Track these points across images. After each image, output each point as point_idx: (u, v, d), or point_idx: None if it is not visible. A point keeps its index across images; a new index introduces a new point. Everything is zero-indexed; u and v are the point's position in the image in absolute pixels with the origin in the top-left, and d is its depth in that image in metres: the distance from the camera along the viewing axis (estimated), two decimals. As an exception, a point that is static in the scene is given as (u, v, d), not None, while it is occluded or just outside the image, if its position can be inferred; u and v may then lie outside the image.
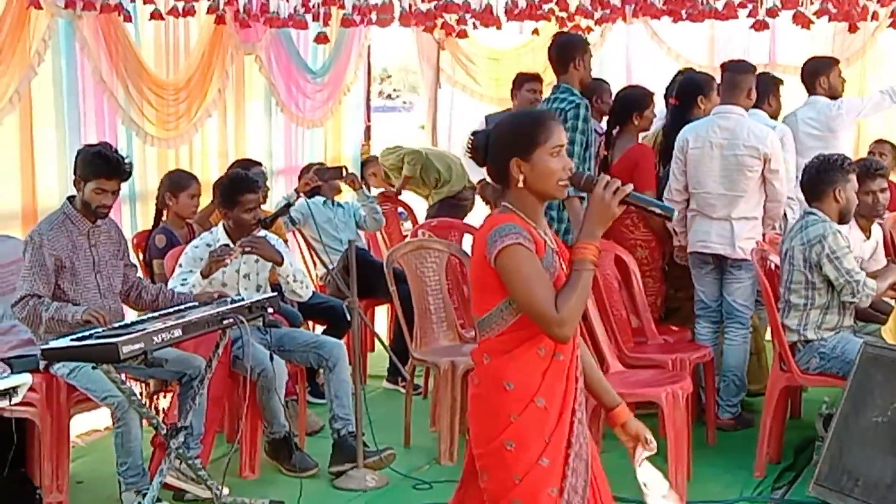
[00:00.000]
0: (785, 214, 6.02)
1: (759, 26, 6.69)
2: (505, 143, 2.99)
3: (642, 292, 5.90)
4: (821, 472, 4.72)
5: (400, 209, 9.12)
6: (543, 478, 2.94)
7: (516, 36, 9.64)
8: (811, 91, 6.69)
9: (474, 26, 7.82)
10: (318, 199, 7.11)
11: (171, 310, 4.66)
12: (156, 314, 4.62)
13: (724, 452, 5.59)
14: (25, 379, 4.12)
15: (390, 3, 7.01)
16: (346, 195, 7.51)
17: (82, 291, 4.87)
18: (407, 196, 9.45)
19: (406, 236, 8.09)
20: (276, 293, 5.27)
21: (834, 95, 6.66)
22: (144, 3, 6.28)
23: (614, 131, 6.27)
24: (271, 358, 5.00)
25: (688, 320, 6.20)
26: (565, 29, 7.76)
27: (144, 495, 4.54)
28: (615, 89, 6.90)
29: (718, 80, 6.07)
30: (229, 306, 4.59)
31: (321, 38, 7.25)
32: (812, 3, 6.64)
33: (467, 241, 7.03)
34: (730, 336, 5.89)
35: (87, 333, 4.19)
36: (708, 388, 5.80)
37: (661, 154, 6.30)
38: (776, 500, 5.05)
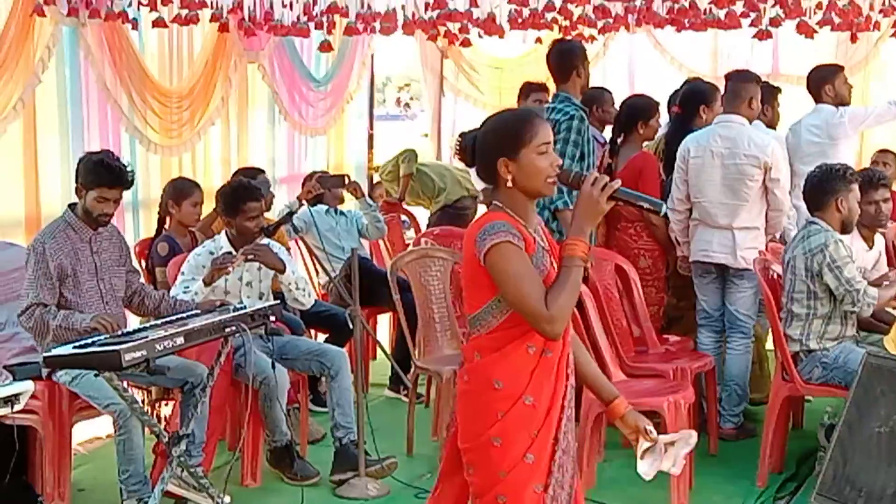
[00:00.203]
0: None
1: (762, 36, 6.69)
2: (491, 143, 3.02)
3: (643, 301, 5.90)
4: (823, 483, 4.71)
5: (403, 217, 9.12)
6: (528, 474, 2.98)
7: (519, 45, 9.66)
8: (818, 100, 6.68)
9: (478, 35, 7.83)
10: (321, 207, 7.11)
11: (173, 317, 4.66)
12: (158, 322, 4.62)
13: (726, 462, 5.58)
14: (28, 386, 4.12)
15: (394, 11, 7.03)
16: (349, 203, 7.51)
17: (85, 298, 4.87)
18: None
19: (409, 245, 8.09)
20: (278, 301, 5.27)
21: (842, 102, 6.64)
22: (150, 10, 6.29)
23: (619, 139, 6.27)
24: (273, 366, 5.01)
25: (689, 330, 6.20)
26: (568, 38, 7.75)
27: (146, 503, 4.54)
28: (617, 98, 6.90)
29: (723, 90, 6.07)
30: (231, 314, 4.58)
31: (325, 47, 7.26)
32: (815, 13, 6.64)
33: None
34: (732, 345, 5.89)
35: (89, 341, 4.20)
36: (710, 398, 5.79)
37: (664, 162, 6.30)
38: (778, 510, 5.05)
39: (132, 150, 6.79)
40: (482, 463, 3.01)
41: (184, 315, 4.70)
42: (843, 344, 5.13)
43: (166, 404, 5.39)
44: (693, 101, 6.26)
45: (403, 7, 7.06)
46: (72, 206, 4.94)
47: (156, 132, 6.86)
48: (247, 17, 6.99)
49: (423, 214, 9.45)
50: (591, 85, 6.39)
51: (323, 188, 6.89)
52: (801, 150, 6.52)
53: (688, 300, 6.23)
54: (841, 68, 6.89)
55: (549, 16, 7.20)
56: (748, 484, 5.28)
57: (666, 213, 5.94)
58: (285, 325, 5.77)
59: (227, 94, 7.52)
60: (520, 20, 7.32)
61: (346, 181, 7.01)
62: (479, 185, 8.02)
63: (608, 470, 5.46)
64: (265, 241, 5.45)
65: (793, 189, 6.04)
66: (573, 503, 3.12)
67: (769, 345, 6.00)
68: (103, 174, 4.81)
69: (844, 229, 5.21)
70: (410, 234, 9.02)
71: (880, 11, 6.97)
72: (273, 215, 6.70)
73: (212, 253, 5.36)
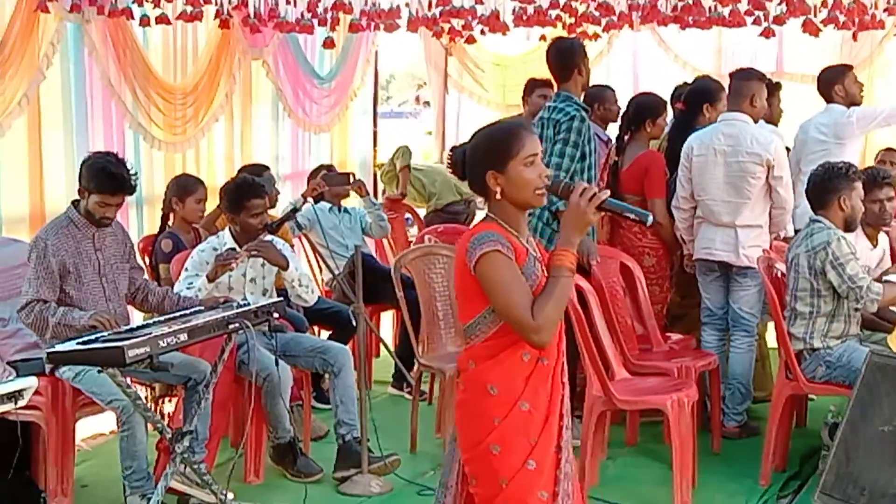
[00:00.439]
0: None
1: (767, 34, 6.69)
2: (480, 157, 3.06)
3: (647, 299, 5.89)
4: (826, 481, 4.71)
5: (407, 215, 9.12)
6: (532, 481, 2.99)
7: (523, 42, 9.66)
8: (828, 100, 6.66)
9: (482, 32, 7.83)
10: (325, 204, 7.11)
11: (176, 314, 4.67)
12: (162, 318, 4.62)
13: (729, 460, 5.58)
14: (31, 382, 4.13)
15: (398, 8, 7.03)
16: (353, 201, 7.52)
17: (87, 295, 4.87)
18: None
19: (412, 242, 8.11)
20: (281, 298, 5.27)
21: (853, 102, 6.61)
22: (154, 6, 6.29)
23: (626, 137, 6.26)
24: (277, 363, 5.01)
25: (692, 327, 6.19)
26: (573, 35, 7.75)
27: (149, 499, 4.54)
28: (621, 96, 6.89)
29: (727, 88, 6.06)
30: (235, 311, 4.58)
31: (328, 44, 7.27)
32: (820, 12, 6.63)
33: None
34: (735, 344, 5.89)
35: (92, 337, 4.20)
36: (713, 396, 5.79)
37: (666, 159, 6.29)
38: (781, 508, 5.05)
39: (136, 147, 6.80)
40: (483, 472, 3.02)
41: (187, 311, 4.70)
42: (846, 342, 5.13)
43: (170, 401, 5.39)
44: (697, 98, 6.26)
45: (408, 4, 7.06)
46: (75, 203, 4.94)
47: (160, 129, 6.87)
48: (252, 14, 7.00)
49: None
50: (594, 83, 6.37)
51: (327, 185, 6.88)
52: (808, 149, 6.51)
53: (691, 298, 6.23)
54: (850, 68, 6.86)
55: (553, 13, 7.19)
56: (751, 482, 5.28)
57: (671, 211, 6.04)
58: (289, 321, 5.78)
59: (231, 90, 7.53)
60: (524, 17, 7.31)
61: (351, 179, 7.01)
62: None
63: (611, 468, 5.46)
64: (269, 237, 5.46)
65: (796, 186, 6.02)
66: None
67: (772, 342, 5.99)
68: (106, 181, 4.80)
69: (848, 227, 5.21)
70: (413, 231, 9.02)
71: (885, 10, 6.96)
72: (277, 212, 6.70)
73: (215, 249, 5.36)
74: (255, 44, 7.69)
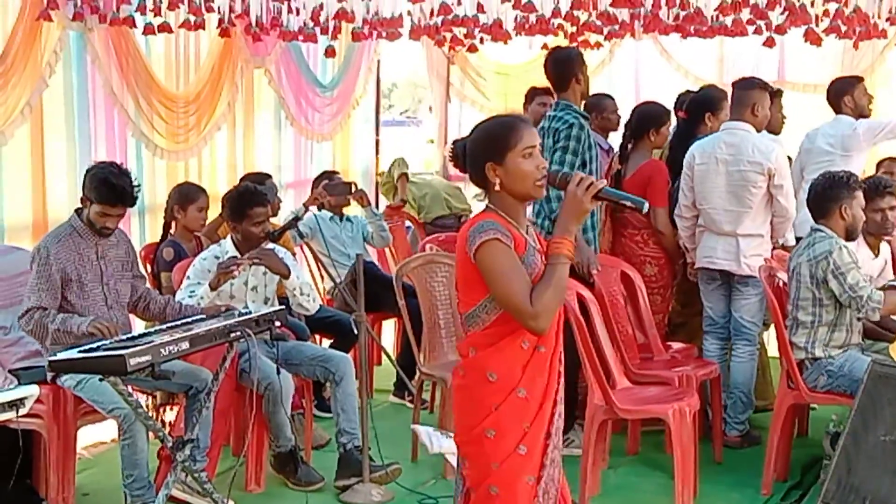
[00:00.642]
0: None
1: (769, 43, 6.70)
2: (479, 149, 3.13)
3: (648, 308, 5.89)
4: (828, 491, 4.70)
5: (407, 223, 9.13)
6: (521, 465, 3.07)
7: (525, 51, 9.65)
8: (837, 110, 6.67)
9: (481, 41, 7.84)
10: (326, 213, 7.11)
11: (178, 322, 4.67)
12: (163, 326, 4.62)
13: (730, 470, 5.58)
14: (32, 390, 4.13)
15: (400, 16, 7.04)
16: (355, 209, 7.52)
17: (89, 303, 4.88)
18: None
19: (411, 249, 8.18)
20: (283, 306, 5.27)
21: (861, 114, 6.63)
22: (155, 15, 6.31)
23: (629, 146, 6.26)
24: (278, 371, 5.01)
25: (694, 336, 6.19)
26: (574, 45, 7.76)
27: (150, 508, 4.55)
28: (623, 105, 6.89)
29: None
30: (237, 319, 4.59)
31: (329, 52, 7.28)
32: (822, 21, 6.64)
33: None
34: (737, 353, 5.89)
35: (94, 345, 4.20)
36: (715, 405, 5.78)
37: (668, 168, 6.30)
38: (783, 518, 5.05)
39: (138, 155, 6.80)
40: (476, 455, 3.11)
41: (189, 320, 4.70)
42: (848, 352, 5.13)
43: (171, 409, 5.39)
44: (699, 107, 6.27)
45: (410, 13, 7.07)
46: (78, 211, 4.95)
47: (162, 137, 6.88)
48: (255, 23, 7.01)
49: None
50: (595, 91, 6.37)
51: (329, 195, 6.89)
52: (813, 158, 6.52)
53: (692, 306, 6.24)
54: (860, 80, 6.86)
55: (555, 22, 7.20)
56: (753, 492, 5.27)
57: (673, 220, 6.04)
58: (290, 330, 5.78)
59: (233, 99, 7.54)
60: (526, 26, 7.33)
61: (353, 189, 7.01)
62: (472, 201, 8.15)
63: (613, 477, 5.45)
64: (271, 246, 5.46)
65: (798, 195, 6.03)
66: (560, 498, 3.22)
67: (773, 352, 5.99)
68: (107, 193, 4.81)
69: (849, 237, 5.21)
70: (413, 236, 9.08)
71: (887, 19, 6.96)
72: (279, 221, 6.71)
73: (217, 258, 5.37)
74: (258, 52, 7.70)
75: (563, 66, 5.75)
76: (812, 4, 6.47)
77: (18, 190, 5.97)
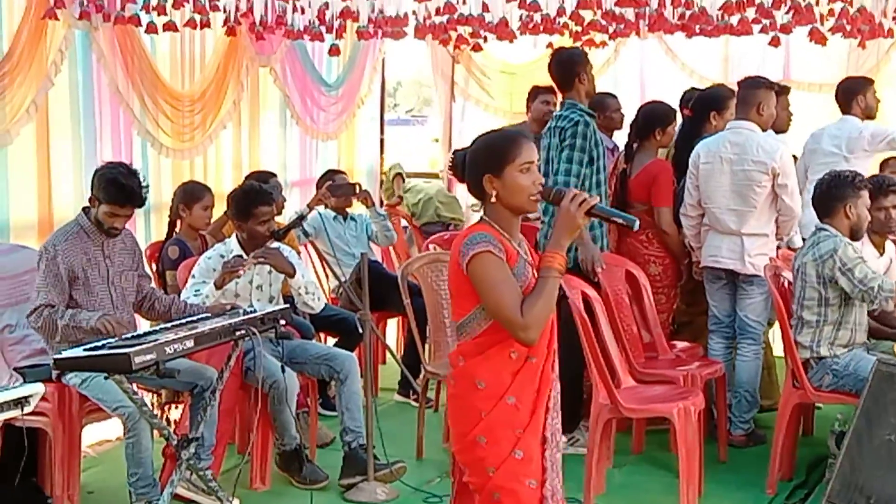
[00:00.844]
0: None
1: (774, 42, 6.68)
2: (478, 160, 3.18)
3: (653, 307, 5.88)
4: (833, 490, 4.70)
5: (403, 223, 9.15)
6: (519, 469, 3.11)
7: (530, 50, 9.62)
8: (846, 110, 6.65)
9: (485, 40, 7.83)
10: (330, 212, 7.12)
11: (183, 321, 4.68)
12: (168, 325, 4.63)
13: (735, 469, 5.58)
14: (38, 389, 4.13)
15: (405, 15, 7.04)
16: (359, 207, 7.53)
17: (95, 302, 4.89)
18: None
19: (409, 247, 8.29)
20: (288, 305, 5.28)
21: (869, 116, 6.62)
22: (159, 14, 6.31)
23: (634, 145, 6.26)
24: (283, 370, 5.02)
25: (698, 335, 6.19)
26: (579, 44, 7.76)
27: (155, 506, 4.56)
28: (629, 104, 6.88)
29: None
30: (241, 318, 4.60)
31: (333, 51, 7.27)
32: (827, 20, 6.63)
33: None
34: (742, 352, 5.88)
35: (99, 344, 4.21)
36: (720, 404, 5.78)
37: (674, 167, 6.30)
38: (788, 517, 5.04)
39: (144, 154, 6.80)
40: (472, 462, 3.15)
41: (194, 318, 4.71)
42: (853, 351, 5.12)
43: (176, 407, 5.40)
44: (704, 106, 6.26)
45: (415, 12, 7.07)
46: (86, 210, 4.96)
47: (168, 136, 6.88)
48: (259, 21, 7.01)
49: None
50: (600, 90, 6.37)
51: (333, 196, 6.88)
52: (817, 159, 6.51)
53: (697, 305, 6.23)
54: (871, 81, 6.86)
55: (560, 21, 7.19)
56: (758, 491, 5.27)
57: (678, 220, 6.04)
58: (295, 328, 5.78)
59: (238, 97, 7.54)
60: (531, 25, 7.32)
61: (357, 190, 7.01)
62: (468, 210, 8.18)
63: (617, 476, 5.46)
64: (275, 244, 5.46)
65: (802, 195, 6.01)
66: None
67: (778, 351, 5.99)
68: (116, 194, 4.82)
69: (854, 236, 5.20)
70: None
71: (893, 19, 6.94)
72: (284, 219, 6.72)
73: (222, 256, 5.37)
74: (263, 51, 7.70)
75: (566, 67, 5.79)
76: (817, 3, 6.46)
77: (24, 189, 5.97)
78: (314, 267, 7.27)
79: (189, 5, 6.32)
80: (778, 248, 5.92)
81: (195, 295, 5.24)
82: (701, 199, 5.92)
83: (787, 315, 5.29)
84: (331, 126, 8.88)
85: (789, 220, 5.81)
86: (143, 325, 5.53)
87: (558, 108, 5.87)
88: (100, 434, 5.82)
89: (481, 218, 3.19)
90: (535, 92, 7.60)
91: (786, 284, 5.56)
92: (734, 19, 6.79)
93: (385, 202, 9.42)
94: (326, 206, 7.02)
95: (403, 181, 9.43)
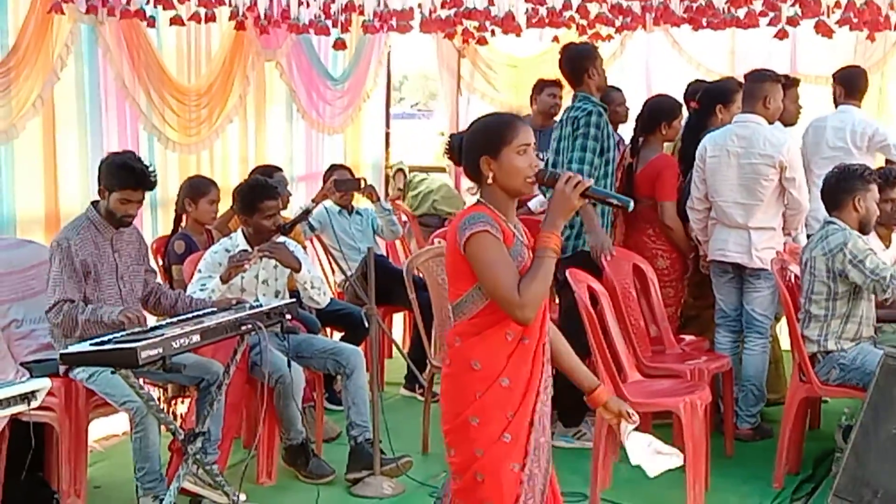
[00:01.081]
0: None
1: (781, 35, 6.67)
2: (475, 142, 3.23)
3: (660, 301, 5.87)
4: (840, 484, 4.69)
5: (404, 217, 9.16)
6: (506, 453, 3.15)
7: (536, 43, 9.64)
8: (850, 99, 6.65)
9: (492, 33, 7.82)
10: (335, 207, 7.12)
11: (189, 315, 4.68)
12: (174, 319, 4.63)
13: (742, 463, 5.57)
14: (44, 383, 4.13)
15: (411, 9, 7.03)
16: (364, 201, 7.53)
17: (105, 297, 4.89)
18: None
19: (409, 241, 8.34)
20: (294, 299, 5.28)
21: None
22: (165, 8, 6.31)
23: (640, 139, 6.25)
24: (289, 364, 5.02)
25: (705, 329, 6.18)
26: (585, 37, 7.76)
27: (162, 500, 4.54)
28: (635, 98, 6.87)
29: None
30: (248, 312, 4.60)
31: (339, 45, 7.27)
32: (833, 13, 6.61)
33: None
34: (749, 346, 5.88)
35: (106, 338, 4.21)
36: (726, 398, 5.77)
37: (680, 160, 6.28)
38: (795, 511, 5.04)
39: (150, 148, 6.80)
40: (461, 442, 3.20)
41: (200, 313, 4.71)
42: (860, 345, 5.11)
43: (182, 402, 5.40)
44: (711, 99, 6.25)
45: (420, 5, 7.06)
46: (94, 204, 4.96)
47: (174, 130, 6.88)
48: (263, 15, 7.01)
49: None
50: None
51: (338, 191, 6.88)
52: (821, 153, 6.49)
53: (704, 299, 6.22)
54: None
55: (566, 14, 7.18)
56: (764, 485, 5.27)
57: (681, 214, 6.02)
58: (301, 323, 5.79)
59: (244, 91, 7.54)
60: (536, 18, 7.31)
61: (362, 185, 7.02)
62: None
63: (624, 470, 5.42)
64: (281, 239, 5.46)
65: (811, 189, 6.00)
66: (548, 484, 3.28)
67: (785, 345, 5.98)
68: (127, 177, 4.83)
69: (862, 229, 5.19)
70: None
71: (899, 11, 6.93)
72: (290, 213, 6.72)
73: (228, 251, 5.38)
74: (269, 45, 7.70)
75: (575, 63, 5.86)
76: (825, -5, 6.44)
77: (30, 183, 5.97)
78: (320, 261, 7.27)
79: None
80: (785, 242, 5.90)
81: (201, 289, 5.24)
82: (708, 192, 5.91)
83: (794, 309, 5.28)
84: (337, 120, 8.88)
85: (797, 214, 5.79)
86: (150, 320, 5.54)
87: (571, 101, 5.89)
88: (106, 429, 5.82)
89: (478, 200, 3.23)
90: (541, 85, 7.61)
91: (792, 278, 5.55)
92: (741, 12, 6.77)
93: (388, 196, 9.44)
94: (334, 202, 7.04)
95: (405, 177, 9.44)
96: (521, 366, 3.18)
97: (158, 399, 5.17)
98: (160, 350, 4.05)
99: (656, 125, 6.15)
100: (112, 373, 4.31)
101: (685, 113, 6.44)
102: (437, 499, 3.61)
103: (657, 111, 6.20)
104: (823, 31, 6.53)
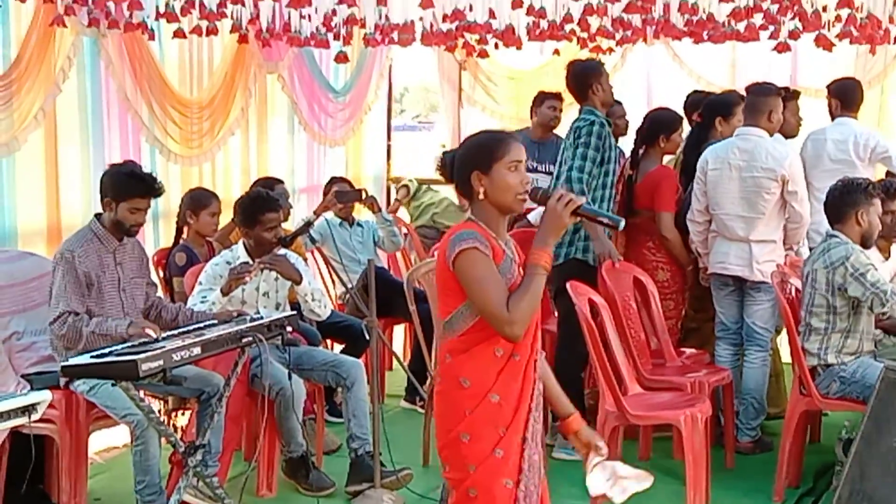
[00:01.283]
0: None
1: (781, 48, 6.69)
2: (467, 158, 3.23)
3: (661, 314, 5.88)
4: (840, 497, 4.68)
5: (404, 230, 9.18)
6: (498, 468, 3.14)
7: (537, 56, 9.66)
8: (847, 112, 6.65)
9: (496, 46, 7.84)
10: (336, 219, 7.13)
11: (190, 328, 4.68)
12: (175, 332, 4.64)
13: (742, 476, 5.57)
14: (45, 396, 4.13)
15: (412, 22, 7.05)
16: (365, 213, 7.54)
17: (107, 309, 4.89)
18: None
19: (410, 253, 8.35)
20: (294, 312, 5.28)
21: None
22: (168, 21, 6.33)
23: (640, 151, 6.27)
24: (290, 376, 5.02)
25: (706, 342, 6.18)
26: (586, 50, 7.78)
27: (162, 512, 4.56)
28: (635, 110, 6.88)
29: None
30: (248, 324, 4.60)
31: (341, 58, 7.29)
32: (834, 26, 6.63)
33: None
34: (749, 359, 5.87)
35: (106, 351, 4.22)
36: (727, 411, 5.77)
37: (681, 173, 6.29)
38: (795, 524, 5.03)
39: (152, 161, 6.82)
40: (454, 459, 3.19)
41: (201, 325, 4.72)
42: (861, 358, 5.11)
43: (183, 414, 5.40)
44: (711, 112, 6.27)
45: (422, 18, 7.08)
46: (98, 216, 4.97)
47: (176, 142, 6.90)
48: (265, 28, 7.03)
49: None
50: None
51: (339, 202, 6.89)
52: (822, 166, 6.49)
53: (704, 312, 6.22)
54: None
55: (567, 27, 7.21)
56: (765, 498, 5.26)
57: (680, 225, 6.03)
58: (302, 335, 5.78)
59: (246, 104, 7.56)
60: (538, 31, 7.33)
61: (363, 196, 7.03)
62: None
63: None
64: (282, 251, 5.47)
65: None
66: (540, 502, 3.28)
67: (786, 358, 5.98)
68: (136, 186, 4.85)
69: (864, 243, 5.18)
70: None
71: (900, 24, 6.94)
72: (291, 226, 6.72)
73: (229, 263, 5.38)
74: (271, 58, 7.72)
75: (580, 78, 5.92)
76: (825, 10, 6.46)
77: (32, 195, 5.99)
78: (321, 274, 7.28)
79: (195, 12, 6.33)
80: (786, 255, 5.91)
81: (202, 301, 5.25)
82: (709, 205, 5.91)
83: (794, 322, 5.28)
84: (338, 132, 8.90)
85: (798, 228, 5.80)
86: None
87: (578, 114, 5.93)
88: (107, 441, 5.82)
89: (468, 217, 3.23)
90: (542, 97, 7.63)
91: (793, 291, 5.55)
92: (741, 25, 6.79)
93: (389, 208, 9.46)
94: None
95: (409, 192, 9.44)
96: (510, 382, 3.16)
97: (159, 411, 5.17)
98: (161, 362, 4.05)
99: (656, 138, 6.17)
100: (113, 385, 4.31)
101: (686, 126, 6.45)
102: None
103: (657, 124, 6.22)
104: (824, 44, 6.56)
